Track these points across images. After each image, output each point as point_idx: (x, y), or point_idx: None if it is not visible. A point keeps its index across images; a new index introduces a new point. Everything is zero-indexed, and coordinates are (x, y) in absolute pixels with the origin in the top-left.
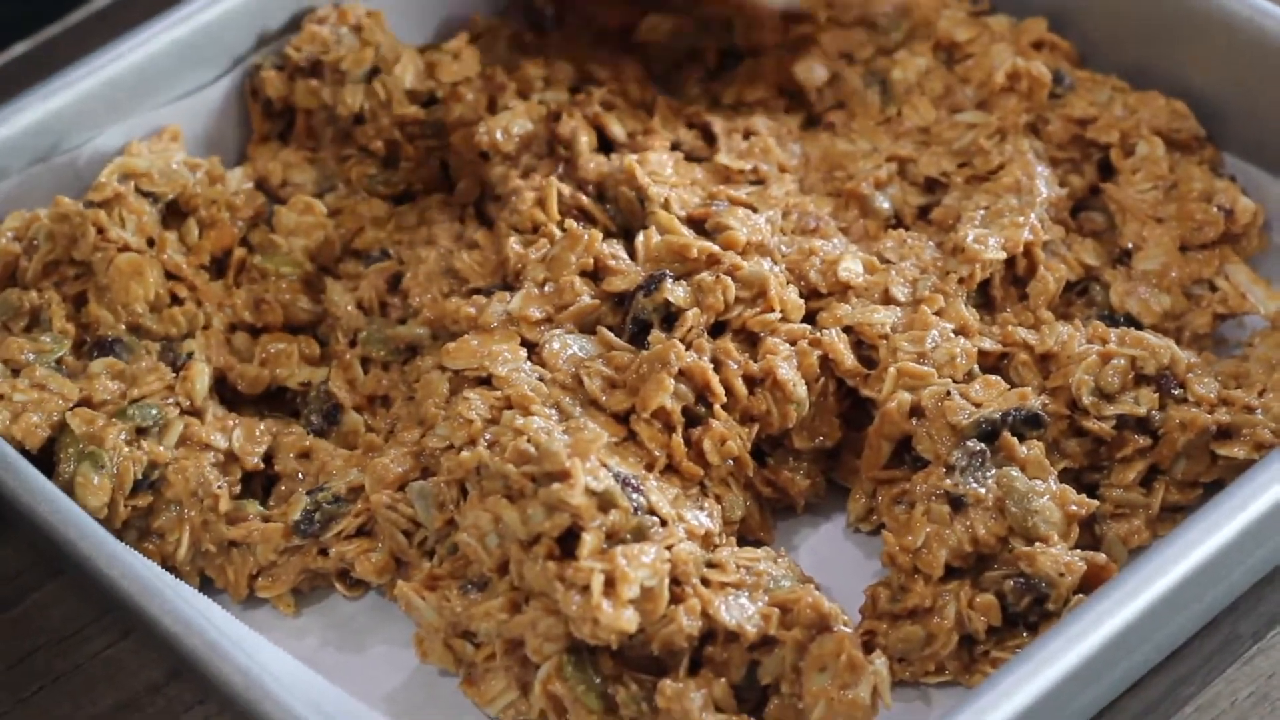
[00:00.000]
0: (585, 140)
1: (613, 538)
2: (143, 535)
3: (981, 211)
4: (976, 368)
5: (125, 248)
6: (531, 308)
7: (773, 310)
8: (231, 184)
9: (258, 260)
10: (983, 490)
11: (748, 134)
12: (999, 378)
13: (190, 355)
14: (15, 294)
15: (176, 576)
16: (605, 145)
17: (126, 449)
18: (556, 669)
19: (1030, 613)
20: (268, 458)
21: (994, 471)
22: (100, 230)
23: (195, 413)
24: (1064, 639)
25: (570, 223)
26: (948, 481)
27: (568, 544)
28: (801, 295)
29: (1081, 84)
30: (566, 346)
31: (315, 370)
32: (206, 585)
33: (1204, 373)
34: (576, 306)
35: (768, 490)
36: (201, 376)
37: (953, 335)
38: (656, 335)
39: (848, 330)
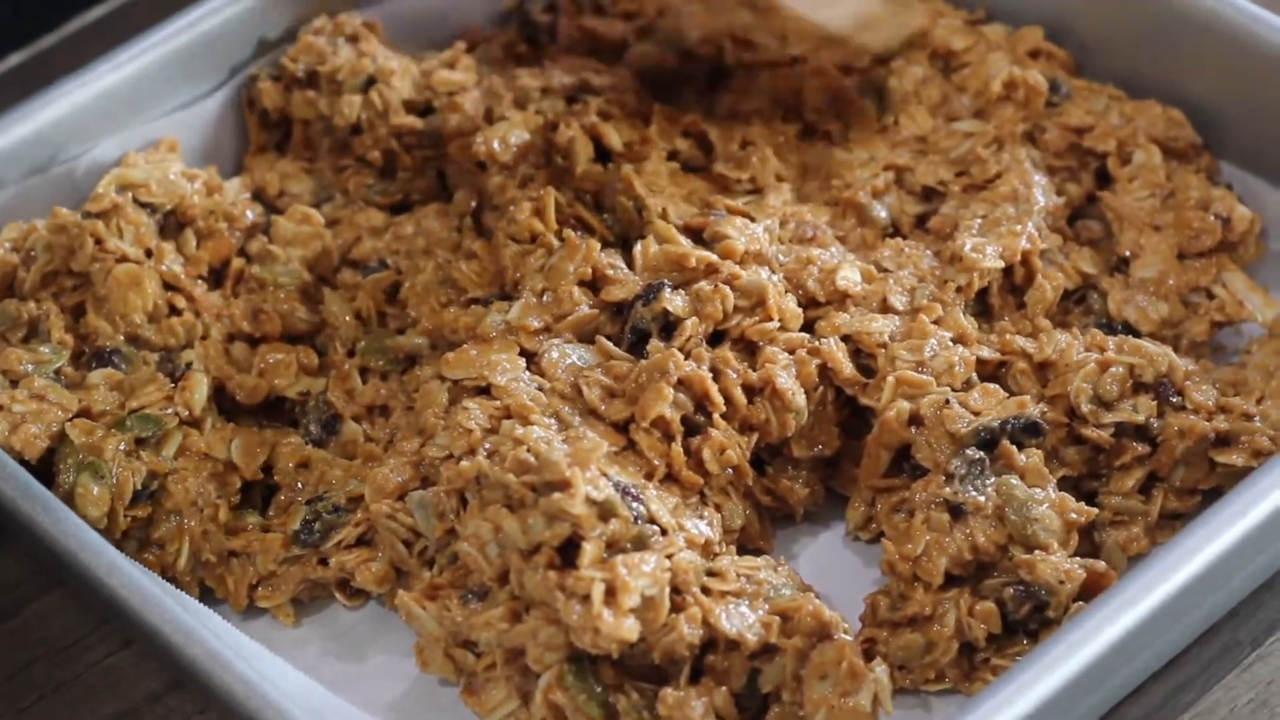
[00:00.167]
0: (583, 150)
1: (613, 547)
2: (142, 545)
3: (979, 220)
4: (975, 376)
5: (123, 258)
6: (530, 317)
7: (771, 319)
8: (229, 195)
9: (256, 270)
10: (982, 498)
11: (744, 143)
12: (997, 386)
13: (189, 365)
14: (13, 305)
15: (176, 587)
16: (602, 155)
17: (126, 459)
18: (557, 678)
19: (1030, 620)
20: (267, 468)
21: (993, 480)
22: (98, 241)
23: (194, 423)
24: (1065, 646)
25: (568, 232)
26: (947, 490)
27: (568, 553)
28: (799, 304)
29: (1078, 92)
30: (565, 356)
31: (314, 380)
32: (206, 595)
33: (1202, 380)
34: (575, 316)
35: (767, 499)
36: (200, 387)
37: (951, 344)
38: (655, 344)
39: (846, 339)
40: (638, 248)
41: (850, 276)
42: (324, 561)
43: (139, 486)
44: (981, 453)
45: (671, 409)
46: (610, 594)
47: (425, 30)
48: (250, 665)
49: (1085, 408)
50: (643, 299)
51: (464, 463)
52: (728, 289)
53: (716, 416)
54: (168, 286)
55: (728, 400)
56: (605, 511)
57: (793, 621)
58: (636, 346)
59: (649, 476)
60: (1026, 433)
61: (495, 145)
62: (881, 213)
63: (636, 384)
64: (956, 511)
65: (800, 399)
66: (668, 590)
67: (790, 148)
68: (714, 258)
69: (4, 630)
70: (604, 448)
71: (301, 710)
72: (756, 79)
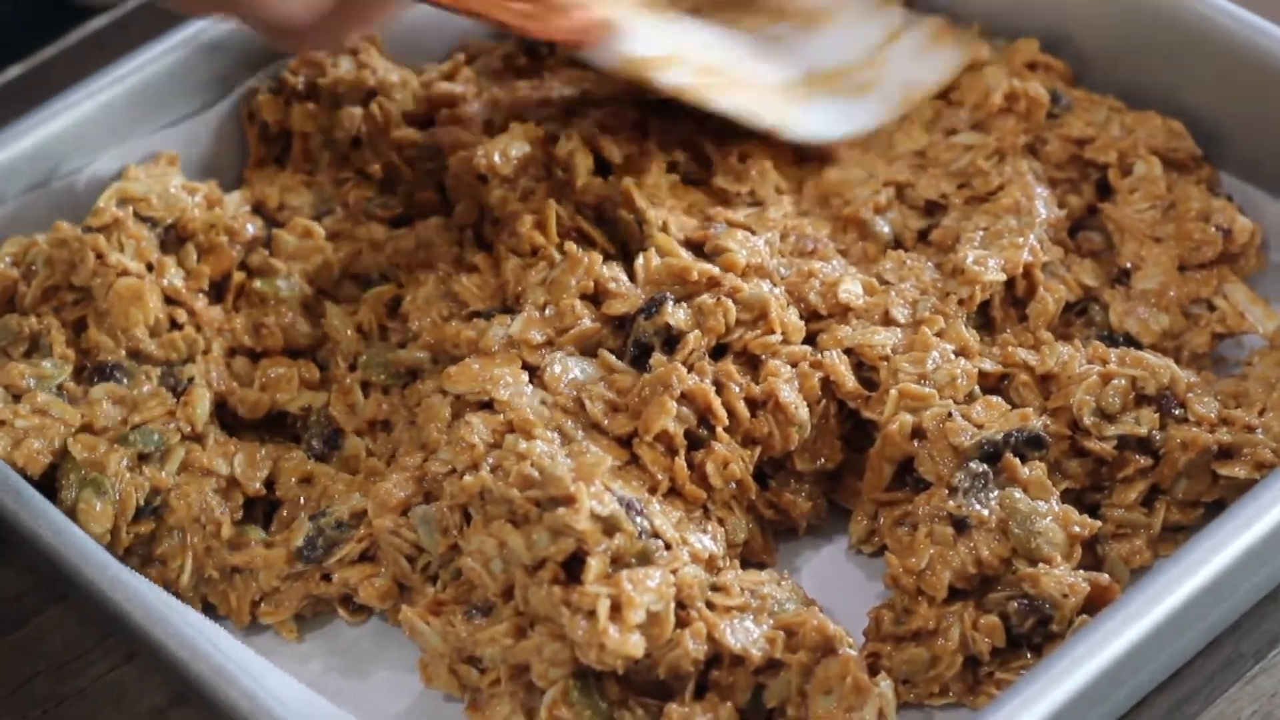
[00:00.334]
0: (583, 163)
1: (618, 562)
2: (145, 561)
3: (980, 233)
4: (977, 389)
5: (124, 273)
6: (532, 331)
7: (774, 332)
8: (229, 208)
9: (257, 285)
10: (985, 512)
11: (743, 157)
12: (1000, 399)
13: (191, 380)
14: (15, 319)
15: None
16: (602, 167)
17: (128, 475)
18: (562, 694)
19: (1034, 634)
20: (269, 483)
21: (996, 493)
22: (99, 255)
23: (196, 438)
24: (1070, 660)
25: (570, 245)
26: (951, 503)
27: (572, 569)
28: (801, 317)
29: (1078, 104)
30: (568, 370)
31: (315, 395)
32: (209, 611)
33: (1204, 392)
34: (577, 330)
35: (770, 512)
36: (202, 402)
37: (953, 356)
38: (658, 358)
39: (848, 352)
40: (639, 261)
41: (852, 289)
42: (327, 577)
43: (142, 503)
44: (985, 466)
45: (675, 423)
46: (615, 609)
47: (423, 43)
48: (255, 680)
49: (1088, 420)
50: (645, 312)
51: (467, 478)
52: (730, 302)
53: (720, 430)
54: (169, 301)
55: (731, 414)
56: (610, 526)
57: (797, 636)
58: (639, 360)
59: (652, 491)
60: (1029, 445)
61: (496, 158)
62: (884, 228)
63: (639, 398)
64: (960, 525)
65: (803, 412)
66: (673, 605)
67: (787, 161)
68: (716, 271)
69: (7, 643)
70: (608, 462)
71: None
72: None
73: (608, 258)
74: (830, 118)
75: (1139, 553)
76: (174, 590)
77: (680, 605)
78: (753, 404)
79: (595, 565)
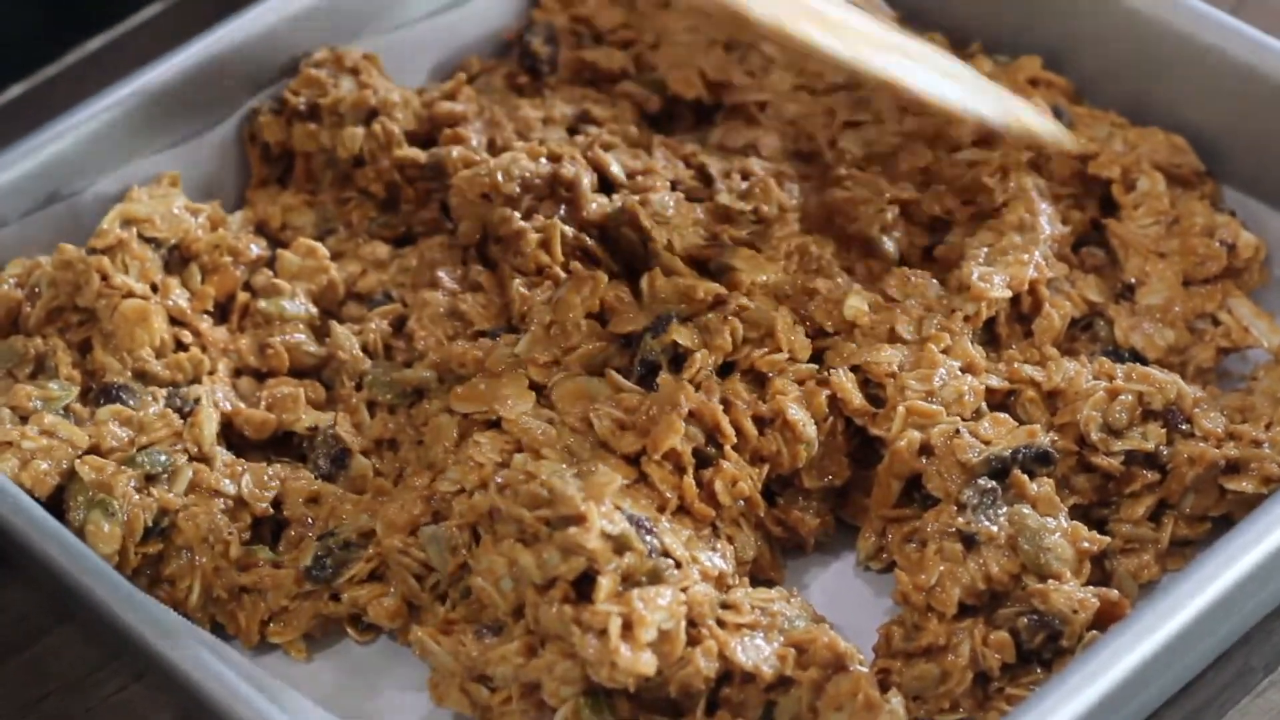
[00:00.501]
0: (587, 181)
1: (628, 580)
2: (153, 582)
3: (985, 249)
4: (984, 405)
5: (129, 294)
6: (539, 350)
7: (780, 350)
8: (233, 229)
9: (262, 305)
10: (995, 528)
11: (745, 175)
12: (1007, 415)
13: (197, 401)
14: (20, 341)
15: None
16: (605, 186)
17: (136, 496)
18: (573, 712)
19: (1044, 650)
20: (276, 503)
21: (1005, 509)
22: (104, 277)
23: (204, 459)
24: (1081, 676)
25: (575, 265)
26: (960, 519)
27: (583, 587)
28: (807, 335)
29: (1080, 120)
30: (575, 389)
31: (321, 414)
32: (217, 631)
33: (1210, 407)
34: (584, 349)
35: (778, 530)
36: (209, 422)
37: (960, 373)
38: (665, 377)
39: (854, 369)
40: (645, 279)
41: (857, 306)
42: (336, 597)
43: (150, 523)
44: (993, 482)
45: (683, 441)
46: (627, 628)
47: (424, 63)
48: (269, 701)
49: (1095, 436)
50: (652, 331)
51: (476, 497)
52: (737, 320)
53: (728, 448)
54: (174, 322)
55: (739, 432)
56: (620, 545)
57: (808, 653)
58: (646, 379)
59: (661, 509)
60: (1037, 462)
61: (499, 177)
62: (889, 246)
63: (647, 416)
64: (969, 541)
65: (811, 430)
66: (684, 624)
67: (789, 178)
68: (722, 289)
69: (16, 664)
70: (618, 481)
71: None
72: (735, 118)
73: (613, 276)
74: (944, 81)
75: (1147, 567)
76: (183, 610)
77: (691, 623)
78: (760, 422)
79: (606, 584)
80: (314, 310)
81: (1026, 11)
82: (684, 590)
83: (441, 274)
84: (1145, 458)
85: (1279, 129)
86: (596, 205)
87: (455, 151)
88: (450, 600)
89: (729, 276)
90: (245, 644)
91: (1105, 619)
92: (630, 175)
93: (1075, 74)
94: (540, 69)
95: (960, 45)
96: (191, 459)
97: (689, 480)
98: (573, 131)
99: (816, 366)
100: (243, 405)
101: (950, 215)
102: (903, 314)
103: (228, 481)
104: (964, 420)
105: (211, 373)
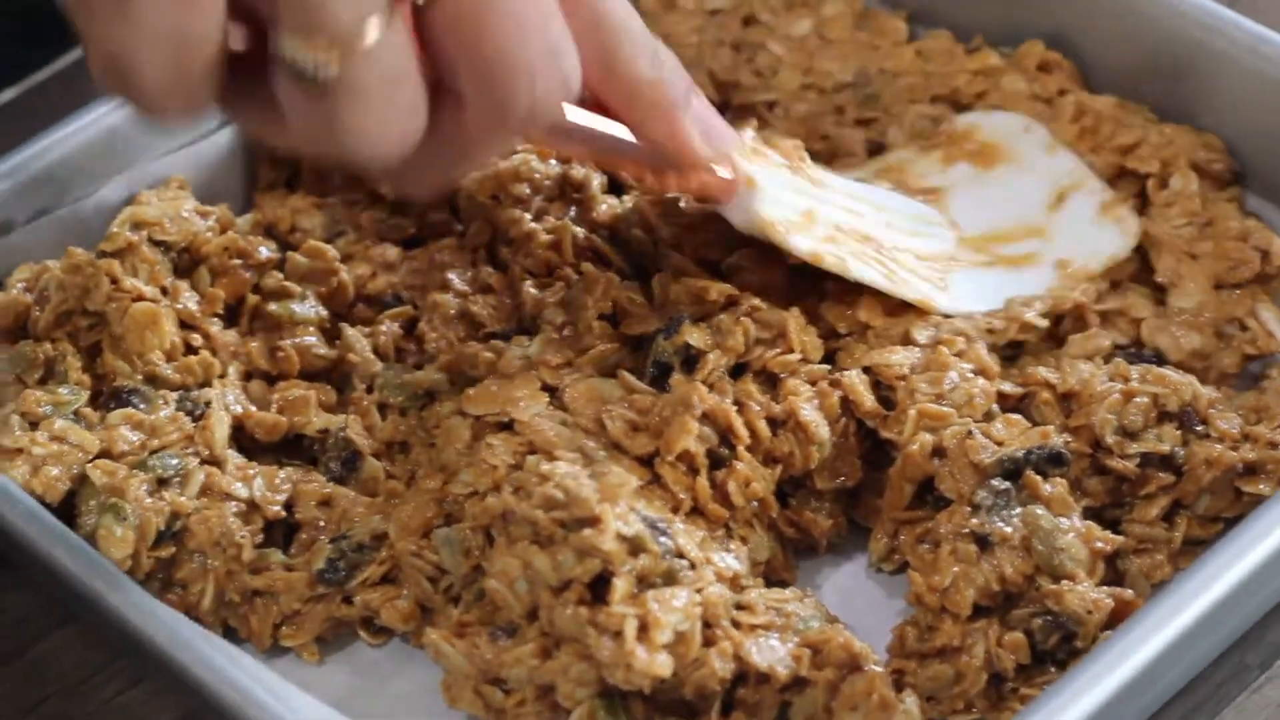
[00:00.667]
0: (597, 183)
1: (643, 582)
2: (165, 586)
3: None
4: (995, 408)
5: (139, 297)
6: (551, 352)
7: (793, 351)
8: (241, 231)
9: (272, 308)
10: (1009, 529)
11: None
12: (1020, 416)
13: (208, 404)
14: (29, 346)
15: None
16: (615, 187)
17: (148, 500)
18: (588, 714)
19: (1059, 650)
20: (288, 506)
21: (1019, 510)
22: (114, 280)
23: (215, 462)
24: (1091, 674)
25: (586, 266)
26: (974, 521)
27: (597, 589)
28: (819, 336)
29: (1112, 109)
30: (588, 390)
31: (332, 417)
32: (229, 635)
33: (1226, 408)
34: (596, 350)
35: (790, 531)
36: (221, 425)
37: (971, 375)
38: (678, 378)
39: (866, 370)
40: (656, 280)
41: (870, 307)
42: (348, 600)
43: (162, 527)
44: (1007, 483)
45: (696, 442)
46: (643, 629)
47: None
48: (284, 704)
49: (1110, 439)
50: (664, 332)
51: (489, 499)
52: (749, 321)
53: (741, 449)
54: (184, 325)
55: (752, 433)
56: (635, 547)
57: (823, 654)
58: (658, 380)
59: (675, 510)
60: (1050, 463)
61: (508, 179)
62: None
63: (660, 418)
64: (983, 542)
65: (824, 431)
66: (699, 625)
67: None
68: (734, 290)
69: (16, 667)
70: (632, 482)
71: None
72: (753, 115)
73: (624, 278)
74: (979, 291)
75: (1160, 567)
76: (195, 615)
77: (706, 624)
78: (773, 423)
79: (621, 586)
80: (324, 313)
81: (1028, 10)
82: (699, 591)
83: (452, 276)
84: (1160, 460)
85: None
86: (607, 206)
87: None
88: (463, 602)
89: (740, 277)
90: (258, 648)
91: (1119, 619)
92: (639, 177)
93: (1090, 77)
94: None
95: (963, 39)
96: (203, 462)
97: (702, 481)
98: None
99: (829, 367)
100: (254, 408)
101: None
102: (918, 318)
103: (239, 485)
104: (976, 422)
105: (222, 376)
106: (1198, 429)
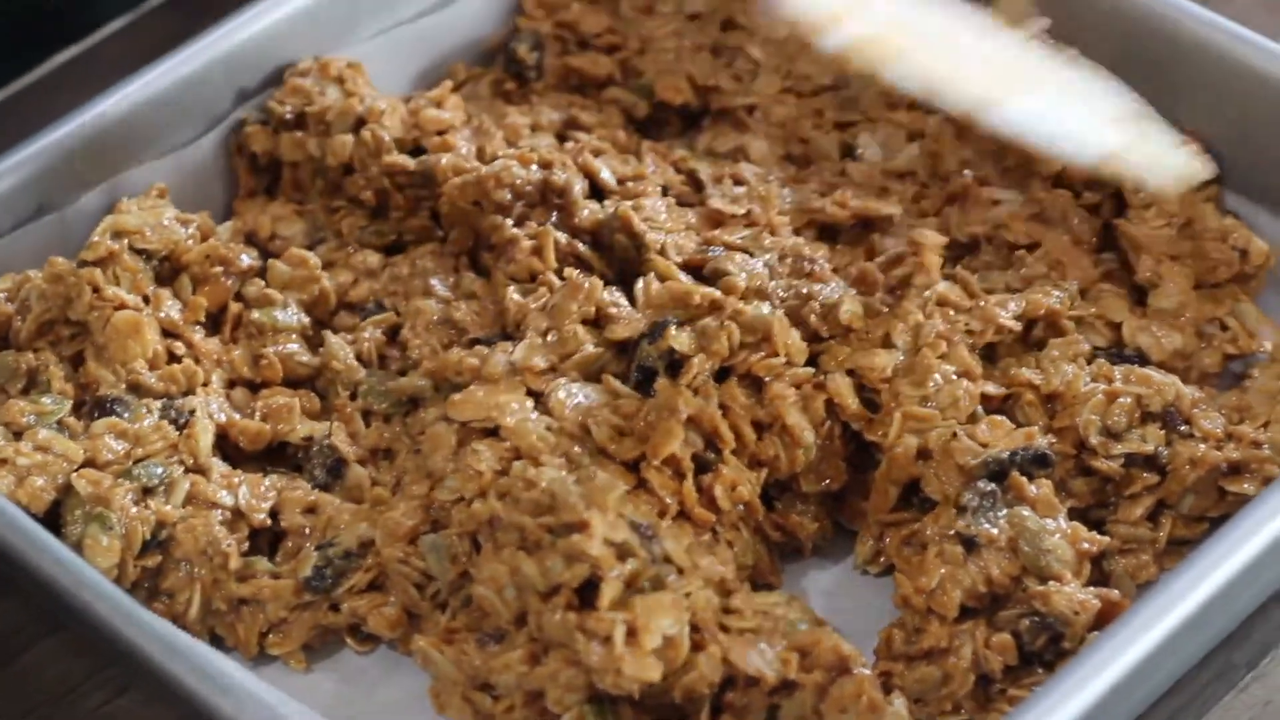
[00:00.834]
0: (579, 188)
1: (631, 586)
2: (152, 595)
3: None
4: (980, 409)
5: (122, 306)
6: (535, 357)
7: (777, 355)
8: (222, 239)
9: (255, 316)
10: (995, 530)
11: (736, 181)
12: (1004, 418)
13: (192, 413)
14: (11, 356)
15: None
16: (596, 192)
17: (134, 509)
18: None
19: (1046, 651)
20: (273, 514)
21: (1005, 511)
22: (96, 289)
23: (200, 470)
24: (1079, 675)
25: (570, 271)
26: (960, 522)
27: (586, 594)
28: (802, 339)
29: None
30: (573, 395)
31: (316, 425)
32: (216, 643)
33: (1209, 407)
34: (580, 355)
35: (776, 534)
36: (205, 434)
37: (955, 377)
38: (662, 382)
39: (850, 373)
40: (639, 285)
41: (852, 310)
42: (335, 607)
43: (148, 536)
44: (992, 485)
45: (682, 446)
46: (631, 634)
47: (408, 70)
48: (273, 712)
49: (1094, 439)
50: (648, 337)
51: (476, 505)
52: (733, 325)
53: (727, 453)
54: (166, 333)
55: (737, 436)
56: (623, 552)
57: (811, 656)
58: (643, 384)
59: (661, 515)
60: (1035, 464)
61: (490, 185)
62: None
63: (646, 422)
64: (970, 544)
65: (809, 435)
66: (687, 629)
67: (780, 183)
68: (718, 294)
69: (3, 677)
70: (619, 487)
71: None
72: (722, 124)
73: (607, 283)
74: (1057, 118)
75: (1145, 567)
76: (181, 623)
77: (694, 628)
78: (758, 426)
79: (609, 591)
80: (306, 320)
81: None
82: (687, 596)
83: (434, 282)
84: (1144, 460)
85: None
86: (588, 211)
87: (445, 159)
88: (451, 609)
89: (724, 281)
90: (245, 656)
91: (1106, 620)
92: (621, 181)
93: None
94: (527, 75)
95: None
96: (188, 471)
97: (689, 485)
98: (561, 138)
99: (813, 370)
100: (237, 416)
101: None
102: (897, 319)
103: (225, 493)
104: (960, 424)
105: (205, 384)
106: (1181, 429)
